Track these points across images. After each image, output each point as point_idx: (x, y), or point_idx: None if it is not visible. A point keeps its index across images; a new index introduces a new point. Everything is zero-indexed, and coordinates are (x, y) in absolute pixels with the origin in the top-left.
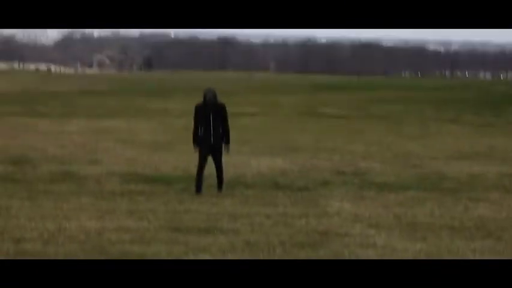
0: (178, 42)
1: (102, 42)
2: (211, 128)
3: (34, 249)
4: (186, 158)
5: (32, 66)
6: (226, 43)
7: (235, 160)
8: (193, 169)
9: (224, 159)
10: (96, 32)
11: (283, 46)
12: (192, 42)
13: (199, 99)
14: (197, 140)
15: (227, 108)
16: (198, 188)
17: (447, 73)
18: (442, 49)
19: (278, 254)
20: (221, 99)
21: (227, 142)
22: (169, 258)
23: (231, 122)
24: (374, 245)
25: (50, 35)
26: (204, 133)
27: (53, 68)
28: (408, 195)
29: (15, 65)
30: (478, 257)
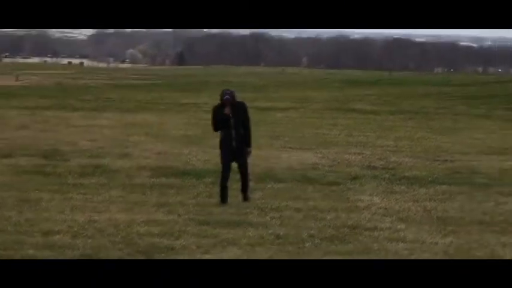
0: (210, 36)
1: (134, 37)
2: (231, 131)
3: (63, 242)
4: (217, 152)
5: (64, 61)
6: (258, 38)
7: (266, 154)
8: None
9: (250, 159)
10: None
11: (315, 41)
12: (224, 37)
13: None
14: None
15: (248, 108)
16: (224, 199)
17: (479, 69)
18: (474, 45)
19: (308, 248)
20: (253, 93)
21: (248, 145)
22: (170, 258)
23: (263, 117)
24: (404, 239)
25: (83, 30)
26: (225, 137)
27: (85, 62)
28: (439, 189)
29: (48, 59)
30: (508, 251)
